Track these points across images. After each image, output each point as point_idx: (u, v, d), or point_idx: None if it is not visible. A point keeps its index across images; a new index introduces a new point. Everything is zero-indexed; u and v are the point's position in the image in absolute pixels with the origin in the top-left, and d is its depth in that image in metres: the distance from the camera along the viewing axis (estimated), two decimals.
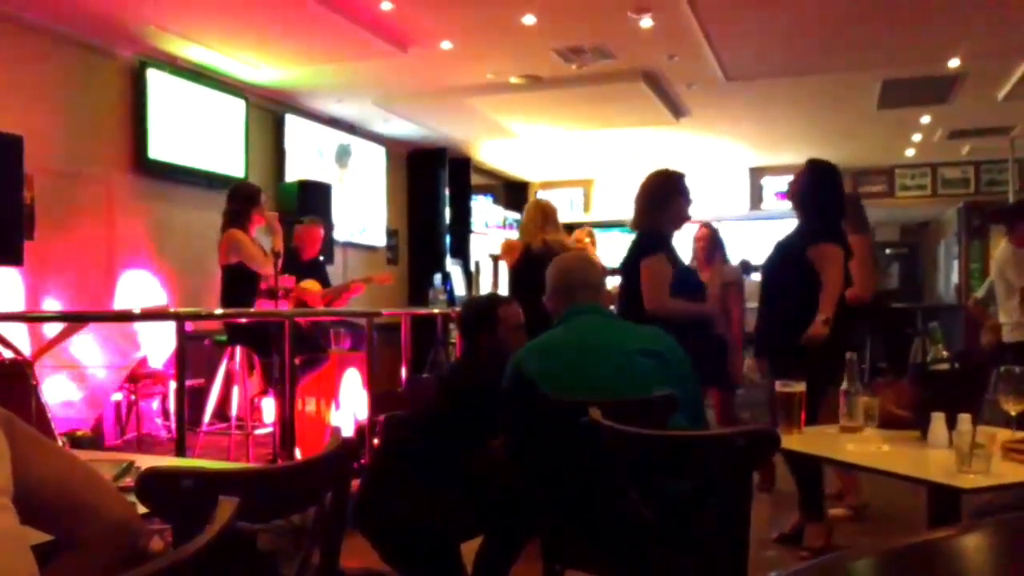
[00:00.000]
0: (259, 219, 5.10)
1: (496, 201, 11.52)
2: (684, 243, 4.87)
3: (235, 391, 5.17)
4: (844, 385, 2.76)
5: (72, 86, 5.74)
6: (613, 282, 4.44)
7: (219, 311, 4.93)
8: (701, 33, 5.90)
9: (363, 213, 8.76)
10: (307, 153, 7.89)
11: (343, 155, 8.50)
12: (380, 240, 9.12)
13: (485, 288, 10.86)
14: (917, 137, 9.41)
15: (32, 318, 5.04)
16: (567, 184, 11.81)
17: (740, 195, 10.97)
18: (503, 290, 4.90)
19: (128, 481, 1.74)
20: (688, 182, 3.89)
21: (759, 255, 4.21)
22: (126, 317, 5.11)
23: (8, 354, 4.13)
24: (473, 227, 10.48)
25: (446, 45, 6.17)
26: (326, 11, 5.40)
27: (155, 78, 6.20)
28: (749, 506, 2.09)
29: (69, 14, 5.42)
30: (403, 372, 5.61)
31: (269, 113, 7.56)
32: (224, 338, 5.11)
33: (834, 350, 3.40)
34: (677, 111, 8.00)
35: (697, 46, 6.18)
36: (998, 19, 5.75)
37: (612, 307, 3.59)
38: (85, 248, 5.76)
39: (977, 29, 5.94)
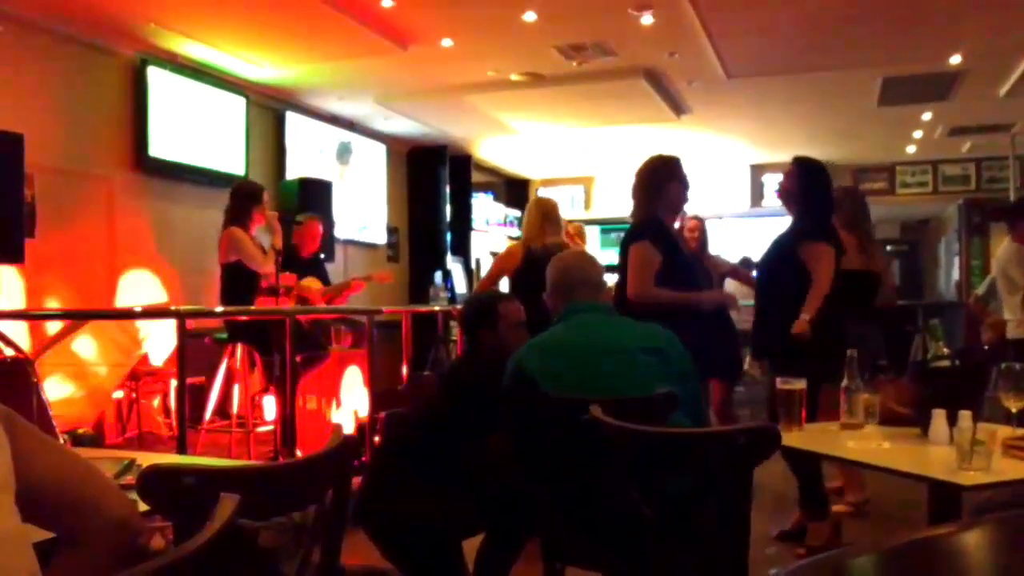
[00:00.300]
0: (260, 218, 5.11)
1: (497, 198, 11.51)
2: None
3: (236, 389, 5.18)
4: (845, 382, 2.77)
5: (73, 84, 5.74)
6: (611, 278, 4.44)
7: (220, 309, 4.94)
8: (702, 30, 5.90)
9: (364, 211, 8.75)
10: (308, 151, 7.88)
11: (344, 153, 8.49)
12: (381, 238, 9.12)
13: (505, 282, 10.85)
14: (918, 134, 9.40)
15: (33, 316, 5.05)
16: (568, 181, 11.80)
17: (741, 192, 10.96)
18: (502, 288, 4.87)
19: (129, 479, 1.74)
20: (684, 168, 3.88)
21: (759, 252, 4.18)
22: (127, 315, 5.12)
23: (9, 352, 4.13)
24: (474, 224, 10.47)
25: (447, 42, 6.17)
26: (327, 8, 5.39)
27: (156, 76, 6.19)
28: (749, 503, 2.10)
29: (70, 12, 5.42)
30: (404, 370, 5.62)
31: (270, 111, 7.56)
32: (225, 336, 5.12)
33: (830, 347, 3.41)
34: (678, 108, 8.00)
35: (698, 43, 6.18)
36: (999, 16, 5.74)
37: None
38: (86, 246, 5.76)
39: (978, 26, 5.93)
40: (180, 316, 3.91)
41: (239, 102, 6.97)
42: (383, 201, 9.13)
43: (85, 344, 5.27)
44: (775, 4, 5.50)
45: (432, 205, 9.73)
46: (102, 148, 5.96)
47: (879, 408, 2.73)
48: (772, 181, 10.92)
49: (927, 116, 8.56)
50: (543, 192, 11.94)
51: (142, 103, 6.12)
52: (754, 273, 4.70)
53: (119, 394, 5.70)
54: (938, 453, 2.32)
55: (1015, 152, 9.59)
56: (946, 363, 2.75)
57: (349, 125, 8.55)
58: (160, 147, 6.23)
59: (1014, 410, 2.38)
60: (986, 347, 5.39)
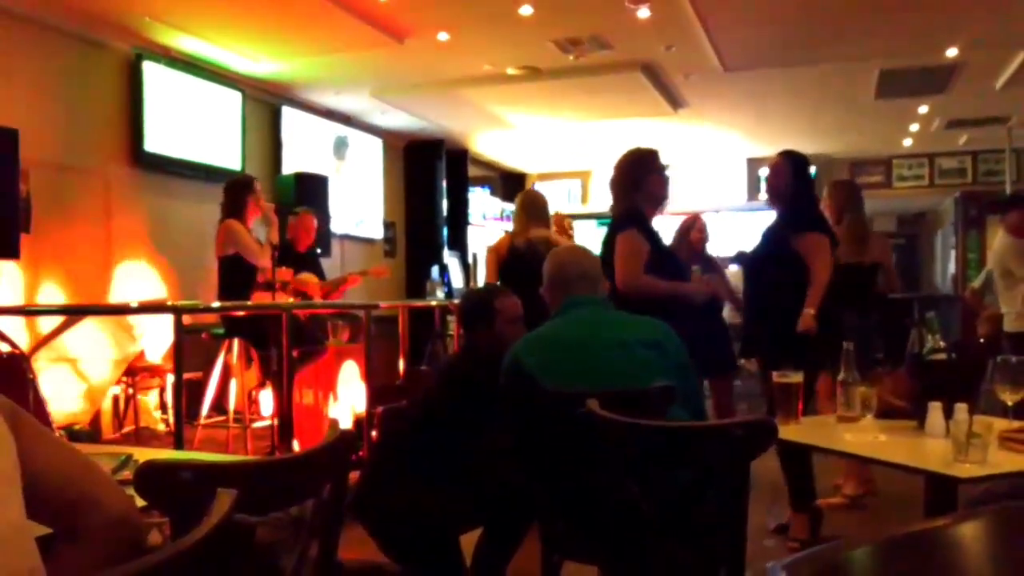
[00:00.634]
0: (255, 209, 5.10)
1: (494, 193, 11.50)
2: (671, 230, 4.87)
3: (233, 384, 5.18)
4: (841, 375, 2.77)
5: (68, 79, 5.72)
6: None
7: (217, 304, 4.94)
8: (699, 23, 5.89)
9: (360, 205, 8.74)
10: (304, 145, 7.87)
11: (340, 147, 8.48)
12: (377, 232, 9.11)
13: (482, 280, 10.86)
14: (914, 127, 9.40)
15: (29, 311, 5.04)
16: (565, 175, 11.80)
17: (737, 186, 10.97)
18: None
19: (126, 474, 1.74)
20: (663, 160, 3.86)
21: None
22: (123, 310, 5.11)
23: (5, 347, 4.12)
24: (471, 219, 10.46)
25: (443, 36, 6.15)
26: (323, 2, 5.38)
27: (151, 70, 6.18)
28: (747, 497, 2.10)
29: (64, 6, 5.41)
30: (401, 364, 5.62)
31: (266, 105, 7.54)
32: (222, 331, 5.12)
33: (829, 338, 3.42)
34: (675, 102, 7.99)
35: (695, 37, 6.17)
36: (996, 8, 5.74)
37: None
38: (82, 241, 5.75)
39: (975, 18, 5.93)
40: (176, 311, 3.91)
41: (235, 96, 6.95)
42: (379, 196, 9.12)
43: (81, 340, 5.26)
44: None
45: (429, 199, 9.72)
46: (97, 143, 5.94)
47: (875, 401, 2.74)
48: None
49: (924, 109, 8.56)
50: (539, 186, 11.94)
51: (137, 98, 6.10)
52: (732, 267, 4.68)
53: (116, 389, 5.70)
54: (934, 446, 2.32)
55: (1011, 145, 9.60)
56: (942, 356, 2.76)
57: (345, 119, 8.54)
58: (156, 142, 6.22)
59: (1010, 403, 2.38)
60: (982, 340, 5.40)
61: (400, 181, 9.74)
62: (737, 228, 10.04)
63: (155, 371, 5.71)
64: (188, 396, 4.33)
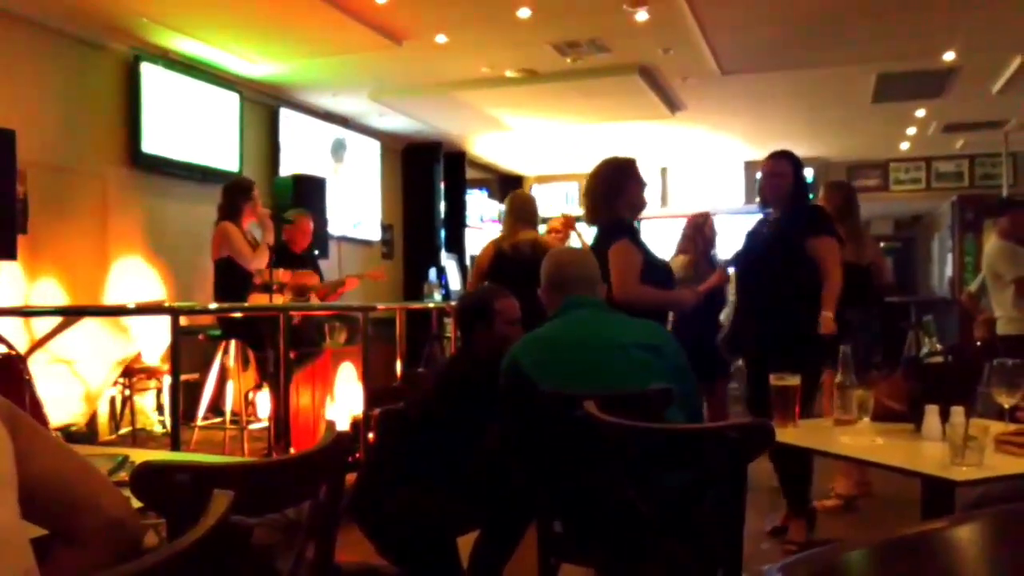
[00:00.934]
0: (251, 213, 5.11)
1: (491, 195, 11.50)
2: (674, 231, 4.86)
3: (230, 385, 5.17)
4: (838, 378, 2.77)
5: (65, 80, 5.71)
6: None
7: (214, 305, 4.93)
8: (696, 26, 5.90)
9: (358, 207, 8.74)
10: (302, 147, 7.87)
11: (339, 149, 8.48)
12: (375, 235, 9.11)
13: (474, 278, 10.85)
14: (911, 131, 9.42)
15: (26, 312, 5.03)
16: (562, 178, 11.80)
17: (735, 188, 10.98)
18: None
19: (123, 475, 1.74)
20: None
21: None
22: (120, 312, 5.11)
23: (2, 349, 4.12)
24: (468, 221, 10.46)
25: (441, 39, 6.16)
26: (321, 3, 5.38)
27: (149, 72, 6.17)
28: (744, 499, 2.10)
29: (62, 7, 5.40)
30: (398, 366, 5.61)
31: (263, 107, 7.54)
32: (218, 332, 5.11)
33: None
34: (672, 105, 8.00)
35: (692, 40, 6.18)
36: (993, 13, 5.75)
37: None
38: (79, 242, 5.75)
39: (972, 23, 5.94)
40: (173, 313, 3.90)
41: (232, 98, 6.95)
42: (377, 198, 9.12)
43: (78, 341, 5.25)
44: (770, 0, 5.51)
45: (426, 202, 9.72)
46: (95, 144, 5.94)
47: (872, 404, 2.74)
48: None
49: (921, 113, 8.58)
50: (537, 189, 11.95)
51: (135, 99, 6.10)
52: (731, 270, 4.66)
53: (113, 391, 5.69)
54: (931, 449, 2.32)
55: (1008, 149, 9.63)
56: (939, 359, 2.76)
57: (343, 122, 8.54)
58: (153, 143, 6.21)
59: (1006, 406, 2.39)
60: (979, 343, 5.41)
61: (398, 183, 9.74)
62: (734, 230, 10.03)
63: (152, 372, 5.71)
64: (185, 397, 4.33)
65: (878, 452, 2.39)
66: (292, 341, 4.55)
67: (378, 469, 2.81)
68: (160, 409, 5.89)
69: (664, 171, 11.16)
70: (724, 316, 5.03)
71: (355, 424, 4.74)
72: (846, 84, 7.49)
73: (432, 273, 7.25)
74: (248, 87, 7.15)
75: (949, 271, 11.67)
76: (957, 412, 2.15)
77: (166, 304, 5.17)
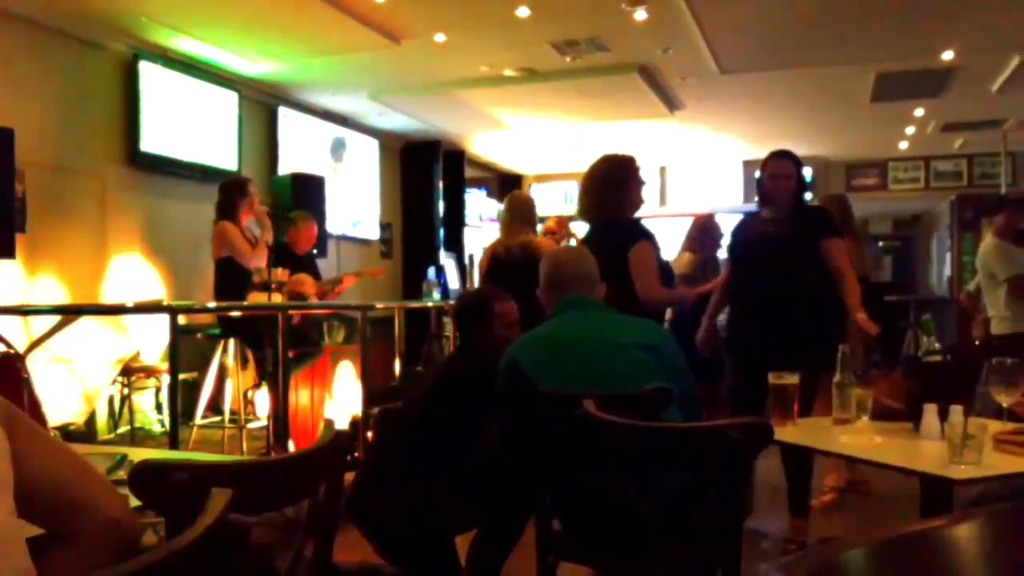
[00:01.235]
0: (248, 210, 5.11)
1: (490, 194, 11.51)
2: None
3: (228, 384, 5.17)
4: (837, 377, 2.77)
5: (64, 79, 5.71)
6: None
7: (212, 304, 4.93)
8: (695, 25, 5.90)
9: (357, 206, 8.74)
10: (301, 146, 7.87)
11: (338, 148, 8.48)
12: (374, 233, 9.11)
13: (478, 282, 10.86)
14: (910, 130, 9.42)
15: (24, 311, 5.02)
16: (561, 177, 11.80)
17: (734, 188, 10.98)
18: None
19: (121, 474, 1.73)
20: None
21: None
22: (119, 310, 5.10)
23: (0, 348, 4.11)
24: (467, 220, 10.47)
25: (440, 37, 6.15)
26: (319, 3, 5.38)
27: (147, 70, 6.17)
28: (742, 498, 2.10)
29: (61, 6, 5.40)
30: (397, 365, 5.61)
31: (262, 106, 7.54)
32: (217, 331, 5.11)
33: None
34: (671, 104, 8.00)
35: (691, 39, 6.18)
36: (991, 12, 5.75)
37: None
38: (77, 241, 5.75)
39: (970, 22, 5.94)
40: (172, 311, 3.90)
41: (231, 97, 6.95)
42: (376, 197, 9.12)
43: (77, 340, 5.24)
44: (769, 0, 5.51)
45: (425, 201, 9.72)
46: (94, 143, 5.94)
47: (871, 402, 2.74)
48: None
49: (919, 112, 8.59)
50: (536, 188, 11.95)
51: (134, 98, 6.09)
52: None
53: (111, 390, 5.69)
54: (929, 447, 2.32)
55: (1007, 148, 9.63)
56: (938, 358, 2.76)
57: (342, 121, 8.53)
58: (152, 142, 6.21)
59: (1005, 405, 2.39)
60: (977, 342, 5.40)
61: (397, 182, 9.74)
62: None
63: (150, 371, 5.71)
64: (183, 396, 4.33)
65: (877, 451, 2.39)
66: (291, 340, 4.55)
67: (376, 468, 2.80)
68: (159, 408, 5.89)
69: (663, 170, 11.17)
70: (723, 318, 5.02)
71: (354, 423, 4.74)
72: (845, 83, 7.49)
73: (431, 272, 7.25)
74: (247, 86, 7.14)
75: (948, 270, 11.69)
76: (956, 411, 2.15)
77: (165, 303, 5.16)
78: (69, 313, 4.69)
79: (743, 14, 5.76)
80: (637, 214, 3.80)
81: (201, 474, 1.40)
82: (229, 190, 5.14)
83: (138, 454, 1.94)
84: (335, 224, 7.99)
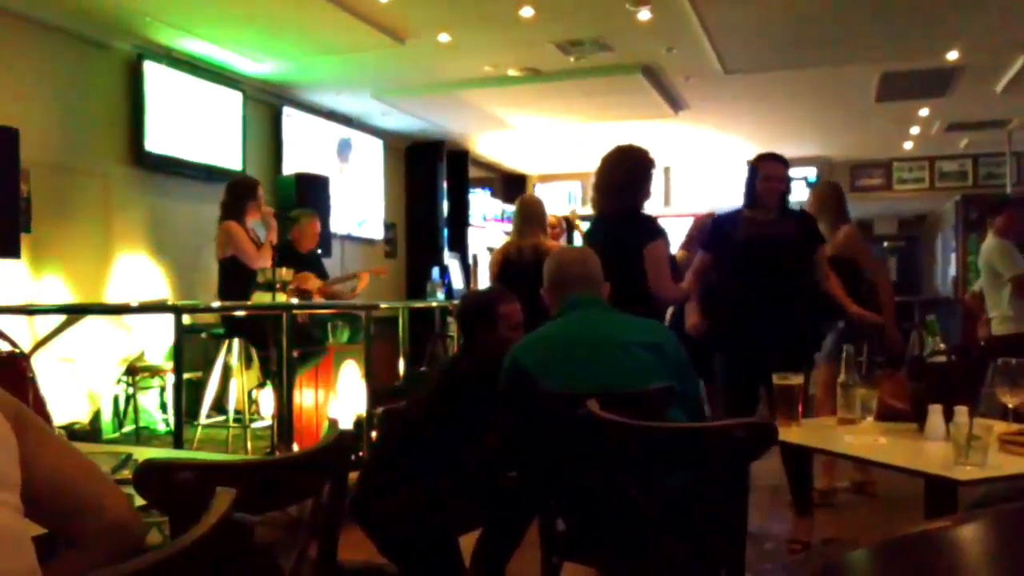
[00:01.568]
0: (255, 212, 5.11)
1: (494, 194, 11.51)
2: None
3: (233, 384, 5.17)
4: (842, 377, 2.77)
5: (69, 79, 5.72)
6: None
7: (217, 304, 4.94)
8: (699, 26, 5.89)
9: (361, 206, 8.75)
10: (305, 146, 7.87)
11: (344, 149, 8.49)
12: (378, 233, 9.12)
13: (483, 282, 10.86)
14: (915, 130, 9.40)
15: (29, 311, 5.04)
16: (565, 177, 11.80)
17: (738, 188, 10.93)
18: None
19: (126, 473, 1.74)
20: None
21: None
22: (124, 310, 5.11)
23: (5, 347, 4.12)
24: (471, 220, 10.46)
25: (444, 38, 6.16)
26: (323, 2, 5.38)
27: (152, 70, 6.18)
28: (747, 498, 2.10)
29: (66, 6, 5.41)
30: (401, 365, 5.61)
31: (266, 106, 7.55)
32: (222, 331, 5.11)
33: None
34: (675, 104, 7.99)
35: (695, 39, 6.17)
36: (997, 12, 5.74)
37: None
38: (82, 241, 5.76)
39: (976, 22, 5.93)
40: (177, 311, 3.91)
41: (236, 97, 6.96)
42: (381, 196, 9.13)
43: (82, 339, 5.26)
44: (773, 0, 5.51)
45: (429, 201, 9.73)
46: (98, 143, 5.95)
47: (876, 403, 2.74)
48: None
49: (924, 112, 8.57)
50: (540, 188, 11.95)
51: (138, 98, 6.11)
52: None
53: (116, 389, 5.70)
54: (934, 448, 2.32)
55: (1012, 148, 9.61)
56: (943, 358, 2.76)
57: (346, 121, 8.54)
58: (156, 142, 6.22)
59: (1010, 405, 2.38)
60: (982, 343, 5.39)
61: (401, 182, 9.75)
62: None
63: (155, 371, 5.72)
64: (188, 396, 4.34)
65: (881, 452, 2.39)
66: (295, 339, 4.55)
67: (380, 468, 2.80)
68: (163, 407, 5.90)
69: (667, 170, 11.16)
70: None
71: (358, 423, 4.75)
72: (849, 83, 7.48)
73: (435, 272, 7.24)
74: (251, 86, 7.15)
75: (952, 271, 11.66)
76: (961, 412, 2.14)
77: (169, 303, 5.17)
78: (74, 313, 4.71)
79: (747, 14, 5.75)
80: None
81: (206, 473, 1.40)
82: (238, 190, 5.13)
83: (143, 453, 1.94)
84: (340, 224, 8.00)
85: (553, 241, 4.98)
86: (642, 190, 3.70)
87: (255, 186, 5.22)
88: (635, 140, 3.97)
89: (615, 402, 2.18)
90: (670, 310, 4.59)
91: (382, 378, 5.53)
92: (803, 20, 5.87)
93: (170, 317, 3.92)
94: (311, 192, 7.11)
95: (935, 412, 2.41)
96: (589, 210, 11.23)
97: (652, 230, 3.61)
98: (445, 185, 9.83)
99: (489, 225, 10.95)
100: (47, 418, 3.98)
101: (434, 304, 6.52)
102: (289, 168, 7.53)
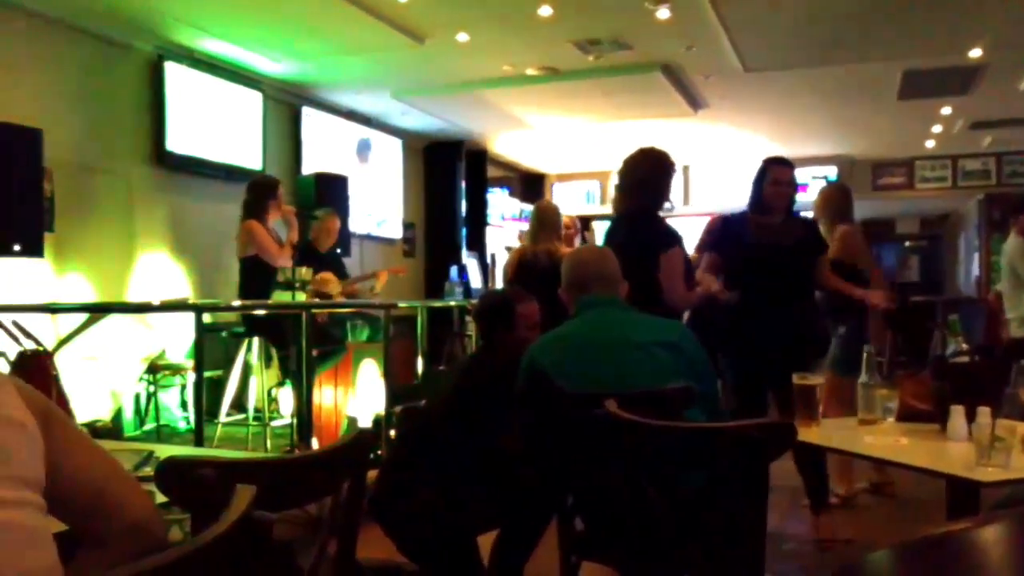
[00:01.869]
0: (276, 211, 5.14)
1: (512, 194, 11.51)
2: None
3: (252, 382, 5.20)
4: (863, 378, 2.75)
5: (91, 79, 5.77)
6: None
7: (237, 302, 4.97)
8: (719, 23, 5.86)
9: (380, 206, 8.77)
10: (325, 146, 7.91)
11: (363, 149, 8.52)
12: (397, 233, 9.14)
13: (500, 281, 10.86)
14: (937, 128, 9.32)
15: (52, 309, 5.09)
16: (584, 176, 11.79)
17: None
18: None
19: (147, 471, 1.75)
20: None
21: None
22: (145, 308, 5.16)
23: (29, 345, 4.17)
24: (489, 220, 10.48)
25: (463, 37, 6.16)
26: (343, 3, 5.40)
27: (173, 71, 6.22)
28: (766, 498, 2.09)
29: (88, 7, 5.46)
30: (419, 364, 5.62)
31: (286, 106, 7.59)
32: (242, 330, 5.15)
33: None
34: (695, 103, 7.96)
35: (715, 37, 6.15)
36: (1020, 9, 5.67)
37: None
38: (104, 240, 5.81)
39: (999, 19, 5.86)
40: (197, 310, 3.94)
41: (256, 97, 7.00)
42: (399, 196, 9.15)
43: (104, 337, 5.30)
44: None
45: (448, 200, 9.75)
46: (120, 143, 6.00)
47: (898, 404, 2.72)
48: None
49: (947, 110, 8.49)
50: (558, 187, 11.95)
51: (160, 98, 6.15)
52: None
53: (138, 387, 5.75)
54: (956, 449, 2.30)
55: None
56: (965, 359, 2.74)
57: (366, 121, 8.57)
58: (177, 142, 6.27)
59: None
60: (1006, 343, 5.34)
61: (420, 182, 9.77)
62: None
63: (176, 369, 5.76)
64: (208, 394, 4.36)
65: (903, 452, 2.37)
66: (314, 338, 4.57)
67: (399, 466, 2.81)
68: (184, 405, 5.94)
69: (686, 169, 11.12)
70: None
71: (377, 421, 4.77)
72: (871, 81, 7.42)
73: (453, 271, 7.27)
74: (271, 86, 7.19)
75: (976, 270, 11.55)
76: (983, 412, 2.13)
77: (190, 301, 5.21)
78: (97, 311, 4.75)
79: (767, 11, 5.71)
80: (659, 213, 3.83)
81: (226, 471, 1.41)
82: (259, 189, 5.16)
83: (164, 451, 1.96)
84: (359, 223, 8.03)
85: (567, 247, 4.99)
86: (662, 192, 3.72)
87: (276, 185, 5.25)
88: (654, 139, 4.00)
89: (633, 402, 2.17)
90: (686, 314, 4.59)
91: (400, 377, 5.54)
92: (824, 18, 5.82)
93: (191, 316, 3.94)
94: (330, 192, 7.14)
95: (957, 413, 2.39)
96: (604, 209, 11.25)
97: (670, 237, 3.62)
98: (463, 184, 9.84)
99: (507, 224, 10.95)
100: (70, 415, 4.02)
101: (452, 303, 6.55)
102: (309, 168, 7.56)
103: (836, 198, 4.65)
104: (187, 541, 1.04)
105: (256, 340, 5.08)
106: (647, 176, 3.70)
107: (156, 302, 5.00)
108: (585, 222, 9.81)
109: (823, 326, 3.98)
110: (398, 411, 4.67)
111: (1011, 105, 8.15)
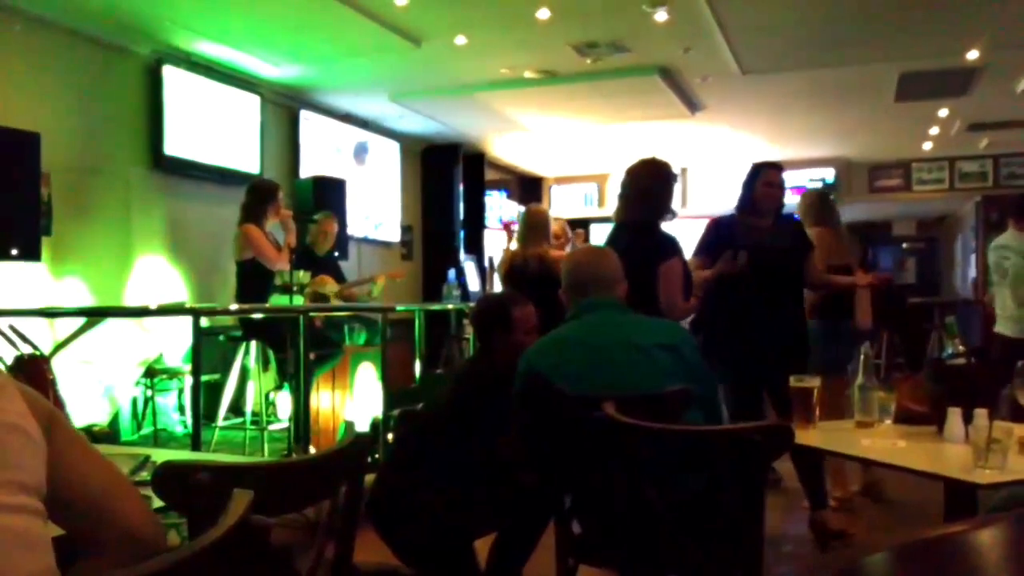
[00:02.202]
0: (274, 216, 5.14)
1: (510, 196, 11.51)
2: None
3: (250, 386, 5.20)
4: (860, 380, 2.76)
5: (88, 83, 5.77)
6: None
7: (235, 307, 4.97)
8: (716, 26, 5.87)
9: (378, 209, 8.77)
10: (322, 149, 7.91)
11: (361, 152, 8.52)
12: (395, 236, 9.14)
13: (499, 285, 10.86)
14: (934, 130, 9.32)
15: (50, 313, 5.08)
16: (582, 179, 11.79)
17: None
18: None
19: (144, 475, 1.75)
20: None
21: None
22: (143, 313, 5.15)
23: (26, 349, 4.17)
24: (487, 223, 10.47)
25: (460, 40, 6.16)
26: (340, 6, 5.40)
27: (171, 74, 6.22)
28: (764, 500, 2.09)
29: (86, 11, 5.45)
30: (417, 367, 5.62)
31: (284, 109, 7.59)
32: (239, 333, 5.14)
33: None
34: (692, 105, 7.97)
35: (712, 39, 6.15)
36: (1017, 11, 5.68)
37: None
38: (102, 244, 5.80)
39: (996, 21, 5.87)
40: (195, 314, 3.94)
41: (253, 100, 6.99)
42: (397, 199, 9.15)
43: (101, 341, 5.30)
44: None
45: (446, 203, 9.75)
46: (117, 146, 5.99)
47: (895, 406, 2.72)
48: (787, 179, 10.85)
49: (944, 112, 8.49)
50: (556, 190, 11.96)
51: (157, 101, 6.15)
52: None
53: (135, 391, 5.74)
54: (954, 451, 2.30)
55: None
56: (962, 360, 2.74)
57: (363, 124, 8.57)
58: (175, 145, 6.26)
59: None
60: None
61: (417, 185, 9.77)
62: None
63: (173, 373, 5.75)
64: (206, 398, 4.36)
65: (900, 455, 2.37)
66: (312, 342, 4.57)
67: (396, 470, 2.81)
68: (181, 409, 5.93)
69: (684, 171, 11.13)
70: None
71: (374, 425, 4.77)
72: (868, 83, 7.43)
73: (451, 274, 7.24)
74: (269, 89, 7.19)
75: (972, 272, 11.56)
76: (980, 414, 2.13)
77: (188, 305, 5.21)
78: (94, 315, 4.75)
79: (765, 14, 5.72)
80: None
81: (223, 475, 1.41)
82: (259, 193, 5.16)
83: (161, 455, 1.96)
84: (356, 227, 8.02)
85: (557, 251, 4.98)
86: (664, 203, 3.73)
87: (275, 190, 5.25)
88: (651, 141, 4.04)
89: (631, 404, 2.17)
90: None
91: (398, 380, 5.54)
92: (821, 20, 5.83)
93: (188, 320, 3.94)
94: (328, 195, 7.13)
95: (954, 415, 2.40)
96: (603, 211, 11.23)
97: (669, 247, 3.62)
98: (461, 187, 9.84)
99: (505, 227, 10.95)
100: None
101: (450, 306, 6.54)
102: (306, 171, 7.56)
103: (814, 203, 4.79)
104: (184, 546, 1.04)
105: (254, 344, 5.07)
106: (649, 187, 3.70)
107: (153, 306, 5.00)
108: (584, 225, 9.82)
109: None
110: (396, 414, 4.67)
111: (1008, 107, 8.16)
